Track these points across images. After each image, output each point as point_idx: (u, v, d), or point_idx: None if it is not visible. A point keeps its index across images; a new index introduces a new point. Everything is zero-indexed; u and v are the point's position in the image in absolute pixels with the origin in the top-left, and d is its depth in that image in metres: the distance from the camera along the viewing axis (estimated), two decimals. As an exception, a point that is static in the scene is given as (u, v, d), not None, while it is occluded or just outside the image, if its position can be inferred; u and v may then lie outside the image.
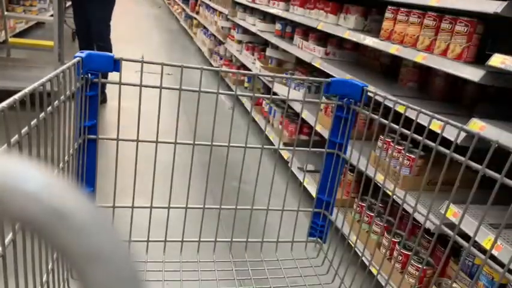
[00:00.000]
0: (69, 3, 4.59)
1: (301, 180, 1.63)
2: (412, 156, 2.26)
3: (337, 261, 1.57)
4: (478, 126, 1.76)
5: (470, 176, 1.21)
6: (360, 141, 1.47)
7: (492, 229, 1.62)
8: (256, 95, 1.55)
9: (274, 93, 1.41)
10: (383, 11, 2.65)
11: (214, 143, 1.51)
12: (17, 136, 0.88)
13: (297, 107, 3.61)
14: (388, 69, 3.22)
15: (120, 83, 1.38)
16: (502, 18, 1.75)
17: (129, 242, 1.50)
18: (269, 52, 4.78)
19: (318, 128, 3.03)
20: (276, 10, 4.29)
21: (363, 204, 2.49)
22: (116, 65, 1.34)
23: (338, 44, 3.50)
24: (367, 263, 1.42)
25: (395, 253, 2.24)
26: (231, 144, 1.53)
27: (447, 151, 1.17)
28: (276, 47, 4.70)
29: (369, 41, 2.66)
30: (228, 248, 1.61)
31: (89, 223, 0.28)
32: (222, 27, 6.64)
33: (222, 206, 1.57)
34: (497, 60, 1.76)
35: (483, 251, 1.29)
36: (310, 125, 3.43)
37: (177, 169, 1.47)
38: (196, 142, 1.47)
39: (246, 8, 5.75)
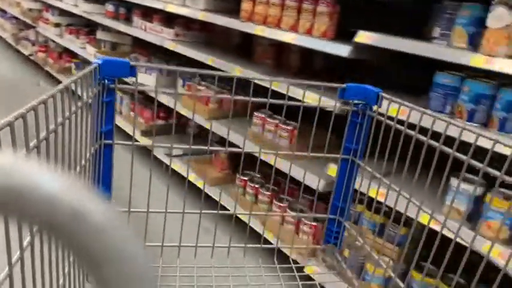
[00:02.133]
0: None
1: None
2: (289, 127, 2.50)
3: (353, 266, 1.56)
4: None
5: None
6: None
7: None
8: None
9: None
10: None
11: (229, 149, 1.51)
12: (35, 141, 0.90)
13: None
14: (240, 48, 3.29)
15: (136, 88, 1.39)
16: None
17: (144, 246, 1.50)
18: (101, 35, 4.38)
19: (184, 112, 3.04)
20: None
21: (244, 178, 2.76)
22: (132, 70, 1.35)
23: (185, 24, 3.45)
24: (383, 265, 1.40)
25: (286, 217, 2.49)
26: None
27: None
28: (108, 30, 4.31)
29: (229, 22, 2.65)
30: (241, 253, 1.61)
31: (107, 225, 0.28)
32: (30, 9, 5.82)
33: (237, 212, 1.57)
34: (363, 36, 2.01)
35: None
36: (166, 108, 3.39)
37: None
38: (211, 148, 1.48)
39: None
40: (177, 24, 3.47)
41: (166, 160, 3.21)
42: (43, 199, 0.28)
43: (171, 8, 3.21)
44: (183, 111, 3.10)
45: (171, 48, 3.32)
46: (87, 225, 0.28)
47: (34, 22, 5.82)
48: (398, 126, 1.40)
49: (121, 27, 3.92)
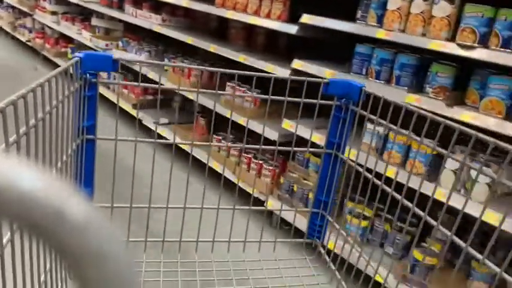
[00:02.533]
0: None
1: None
2: (254, 94, 3.34)
3: (335, 260, 1.57)
4: (299, 64, 2.78)
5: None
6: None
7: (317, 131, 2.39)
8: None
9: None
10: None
11: (213, 143, 1.51)
12: (15, 136, 0.88)
13: (137, 67, 4.06)
14: (217, 31, 3.99)
15: (118, 83, 1.38)
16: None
17: (127, 241, 1.50)
18: (95, 21, 4.92)
19: (169, 85, 3.67)
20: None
21: (218, 137, 3.46)
22: (114, 65, 1.34)
23: (171, 11, 4.05)
24: (365, 261, 1.42)
25: (252, 165, 3.28)
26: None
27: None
28: (101, 16, 4.91)
29: (207, 8, 3.39)
30: (226, 247, 1.61)
31: (87, 223, 0.28)
32: None
33: (220, 206, 1.57)
34: (306, 18, 2.66)
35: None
36: (154, 83, 4.02)
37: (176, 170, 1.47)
38: (195, 143, 1.47)
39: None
40: (164, 10, 3.98)
41: (154, 128, 3.70)
42: (22, 197, 0.28)
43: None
44: (169, 85, 3.72)
45: (158, 31, 3.84)
46: (67, 223, 0.28)
47: (31, 10, 6.23)
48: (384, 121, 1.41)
49: (114, 13, 4.42)
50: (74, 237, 0.28)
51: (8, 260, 0.84)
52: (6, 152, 0.85)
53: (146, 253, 1.51)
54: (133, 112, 4.14)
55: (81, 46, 5.14)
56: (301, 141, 2.34)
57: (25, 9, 6.39)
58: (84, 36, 4.91)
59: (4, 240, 0.84)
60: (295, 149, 1.61)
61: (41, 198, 0.28)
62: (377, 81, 2.58)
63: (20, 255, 0.89)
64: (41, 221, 0.28)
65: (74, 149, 1.30)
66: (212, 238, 1.58)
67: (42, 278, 1.06)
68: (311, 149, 1.62)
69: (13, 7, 6.94)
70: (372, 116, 1.45)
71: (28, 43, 6.65)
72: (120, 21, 4.63)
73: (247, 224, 1.59)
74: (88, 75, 1.32)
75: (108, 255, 0.28)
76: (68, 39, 5.68)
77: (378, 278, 1.39)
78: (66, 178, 1.24)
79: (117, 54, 4.16)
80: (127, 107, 4.23)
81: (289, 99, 1.50)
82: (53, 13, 5.69)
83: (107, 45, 4.45)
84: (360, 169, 1.47)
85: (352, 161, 1.53)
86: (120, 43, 4.35)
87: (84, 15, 5.36)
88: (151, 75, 3.96)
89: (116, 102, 1.41)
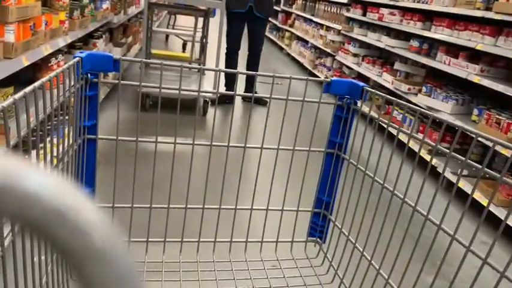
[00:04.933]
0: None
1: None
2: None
3: (337, 260, 1.57)
4: None
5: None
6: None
7: None
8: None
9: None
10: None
11: (213, 143, 1.50)
12: (16, 136, 0.88)
13: (439, 115, 3.77)
14: None
15: (119, 83, 1.38)
16: None
17: (129, 242, 1.49)
18: (398, 66, 5.34)
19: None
20: (410, 29, 4.94)
21: None
22: (115, 65, 1.34)
23: (489, 61, 3.99)
24: (367, 262, 1.42)
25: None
26: (231, 145, 1.53)
27: None
28: (405, 61, 5.33)
29: None
30: (227, 248, 1.61)
31: (89, 223, 0.28)
32: (333, 41, 7.34)
33: (222, 206, 1.57)
34: None
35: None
36: (454, 133, 3.60)
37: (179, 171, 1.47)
38: (196, 142, 1.47)
39: (362, 24, 6.40)
40: (482, 61, 4.04)
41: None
42: (24, 197, 0.28)
43: (480, 47, 3.73)
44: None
45: (475, 81, 3.81)
46: (69, 223, 0.27)
47: (334, 52, 7.19)
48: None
49: (422, 59, 4.64)
50: (76, 237, 0.28)
51: (10, 261, 0.83)
52: (7, 153, 0.84)
53: (148, 254, 1.50)
54: (428, 157, 3.90)
55: (377, 85, 5.72)
56: None
57: (328, 50, 7.42)
58: (385, 78, 5.39)
59: (6, 241, 0.84)
60: (297, 148, 1.60)
61: (44, 198, 0.28)
62: None
63: (22, 257, 0.88)
64: (44, 221, 0.27)
65: (76, 149, 1.30)
66: (214, 239, 1.58)
67: (44, 280, 1.05)
68: (312, 149, 1.61)
69: (316, 48, 8.12)
70: (374, 115, 1.44)
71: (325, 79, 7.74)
72: (423, 66, 5.02)
73: (249, 224, 1.59)
74: (89, 75, 1.32)
75: (110, 256, 0.28)
76: (363, 79, 6.36)
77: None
78: (67, 178, 1.23)
79: (420, 99, 4.24)
80: (422, 152, 3.95)
81: (291, 98, 1.50)
82: (355, 55, 6.45)
83: (409, 89, 4.73)
84: (361, 169, 1.46)
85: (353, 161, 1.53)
86: (424, 88, 4.60)
87: (383, 59, 5.95)
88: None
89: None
